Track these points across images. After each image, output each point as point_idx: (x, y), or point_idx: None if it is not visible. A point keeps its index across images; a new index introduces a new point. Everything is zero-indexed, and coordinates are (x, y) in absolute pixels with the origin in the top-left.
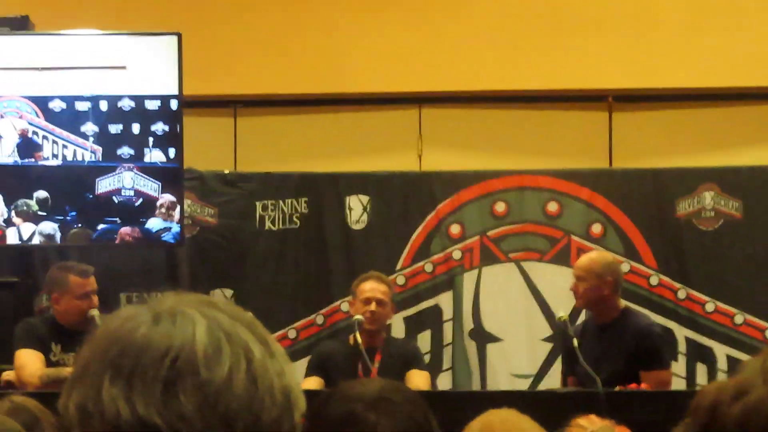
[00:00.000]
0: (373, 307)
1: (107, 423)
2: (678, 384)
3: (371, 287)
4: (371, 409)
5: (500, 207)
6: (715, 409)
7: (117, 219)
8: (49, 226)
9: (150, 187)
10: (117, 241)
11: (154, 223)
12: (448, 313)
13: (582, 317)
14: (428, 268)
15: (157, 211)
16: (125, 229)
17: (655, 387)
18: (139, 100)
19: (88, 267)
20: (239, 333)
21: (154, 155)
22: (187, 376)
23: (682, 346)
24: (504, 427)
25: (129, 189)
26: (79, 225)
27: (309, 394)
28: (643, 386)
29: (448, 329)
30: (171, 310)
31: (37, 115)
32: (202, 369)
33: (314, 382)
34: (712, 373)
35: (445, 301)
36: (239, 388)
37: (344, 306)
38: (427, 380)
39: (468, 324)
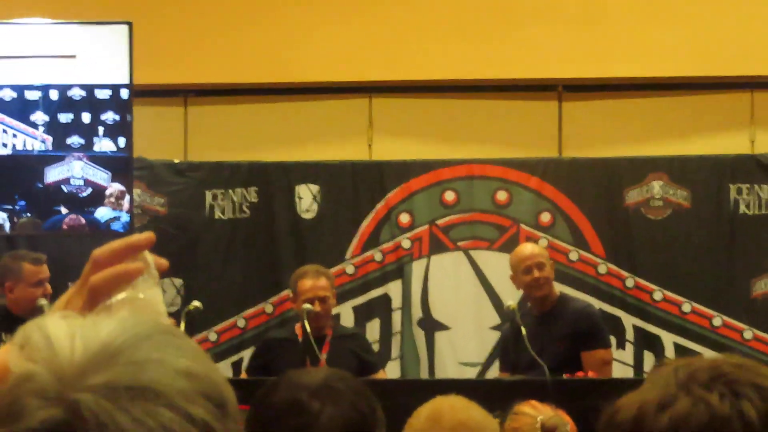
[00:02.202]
0: (317, 307)
1: None
2: (626, 372)
3: (311, 286)
4: (315, 397)
5: (449, 196)
6: (640, 423)
7: (66, 208)
8: None
9: (99, 176)
10: (65, 229)
11: (103, 213)
12: (397, 301)
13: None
14: (377, 256)
15: (107, 201)
16: (73, 219)
17: (596, 366)
18: (89, 89)
19: (41, 255)
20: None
21: (104, 144)
22: None
23: (629, 334)
24: (452, 413)
25: (78, 178)
26: (29, 214)
27: (256, 383)
28: (590, 373)
29: (396, 318)
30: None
31: None
32: None
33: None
34: (659, 361)
35: (394, 289)
36: None
37: None
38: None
39: (417, 312)
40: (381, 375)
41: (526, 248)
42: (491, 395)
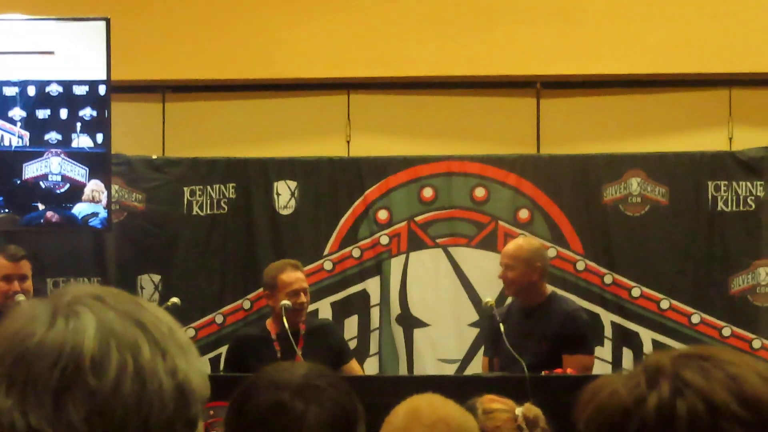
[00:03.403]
0: (303, 298)
1: None
2: (605, 368)
3: (295, 278)
4: (298, 397)
5: (428, 192)
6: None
7: (44, 204)
8: None
9: (77, 172)
10: (43, 225)
11: (81, 209)
12: (375, 298)
13: (507, 301)
14: (356, 253)
15: (85, 197)
16: (51, 215)
17: (576, 371)
18: (67, 85)
19: (19, 252)
20: (127, 333)
21: (81, 140)
22: (75, 385)
23: (608, 331)
24: (430, 410)
25: (56, 174)
26: (7, 210)
27: (233, 380)
28: (568, 371)
29: (375, 314)
30: (67, 309)
31: None
32: (90, 377)
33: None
34: (637, 358)
35: (372, 286)
36: (126, 394)
37: None
38: (359, 366)
39: (395, 309)
40: (353, 364)
41: (509, 245)
42: (470, 392)
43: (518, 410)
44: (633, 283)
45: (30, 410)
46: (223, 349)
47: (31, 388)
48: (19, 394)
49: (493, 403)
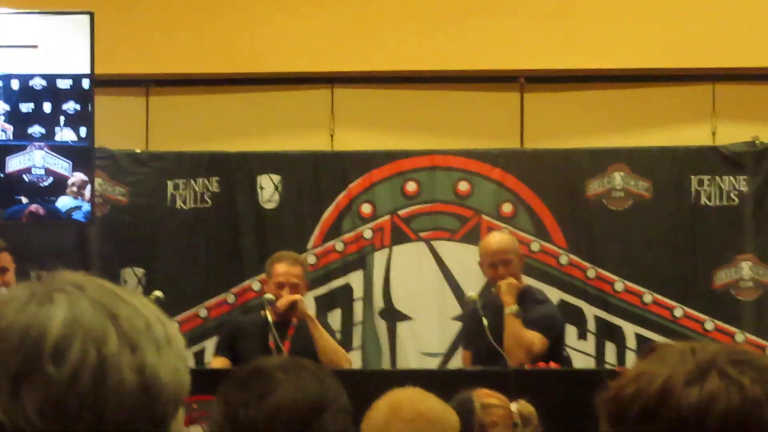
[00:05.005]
0: (286, 292)
1: None
2: (588, 362)
3: (284, 270)
4: (280, 369)
5: (411, 186)
6: (667, 396)
7: (27, 198)
8: None
9: (61, 165)
10: (26, 219)
11: (64, 202)
12: (358, 291)
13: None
14: (339, 247)
15: (68, 190)
16: (35, 208)
17: (527, 335)
18: (50, 78)
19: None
20: (95, 325)
21: (65, 134)
22: (34, 371)
23: (591, 325)
24: (411, 404)
25: (39, 168)
26: None
27: (216, 373)
28: (551, 364)
29: (358, 308)
30: (43, 296)
31: None
32: (49, 365)
33: (222, 363)
34: (621, 352)
35: (355, 280)
36: (83, 386)
37: (255, 285)
38: None
39: (378, 303)
40: None
41: (495, 241)
42: (453, 385)
43: (513, 406)
44: (616, 278)
45: None
46: (207, 343)
47: None
48: None
49: (490, 398)
